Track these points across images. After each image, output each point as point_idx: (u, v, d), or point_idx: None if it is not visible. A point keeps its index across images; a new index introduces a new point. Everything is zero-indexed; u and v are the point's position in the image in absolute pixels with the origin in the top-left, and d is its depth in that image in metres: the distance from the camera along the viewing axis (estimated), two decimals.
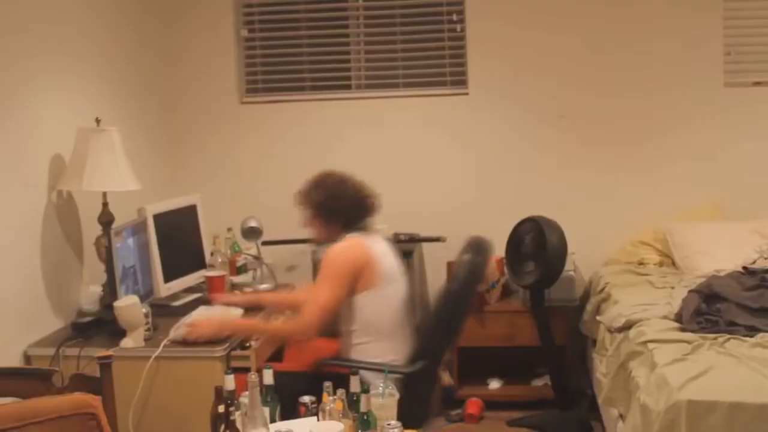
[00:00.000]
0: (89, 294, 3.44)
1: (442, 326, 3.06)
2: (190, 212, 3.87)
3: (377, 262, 3.03)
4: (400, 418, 2.76)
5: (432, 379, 3.13)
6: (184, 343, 3.05)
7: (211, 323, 3.13)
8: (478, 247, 3.11)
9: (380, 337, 3.05)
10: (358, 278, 3.00)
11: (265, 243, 4.06)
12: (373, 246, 3.08)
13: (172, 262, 3.63)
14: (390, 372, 2.98)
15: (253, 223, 3.99)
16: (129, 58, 4.13)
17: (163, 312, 3.47)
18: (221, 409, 2.23)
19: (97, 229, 3.42)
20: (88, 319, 3.26)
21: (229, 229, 4.10)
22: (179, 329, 3.10)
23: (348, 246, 3.05)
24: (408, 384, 2.90)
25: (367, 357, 3.01)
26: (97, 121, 3.39)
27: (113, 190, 3.38)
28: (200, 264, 3.86)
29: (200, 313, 3.30)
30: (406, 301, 3.15)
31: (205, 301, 3.54)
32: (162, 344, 3.02)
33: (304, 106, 4.66)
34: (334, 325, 3.08)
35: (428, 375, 3.03)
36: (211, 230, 4.11)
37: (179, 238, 3.75)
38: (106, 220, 3.40)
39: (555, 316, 4.14)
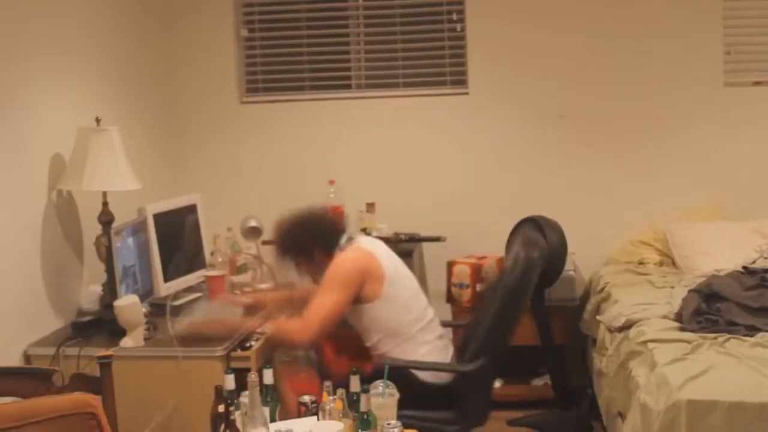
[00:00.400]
0: (89, 293, 3.44)
1: (500, 323, 3.07)
2: (190, 212, 3.87)
3: (383, 267, 3.04)
4: (459, 416, 2.87)
5: (491, 377, 3.13)
6: (182, 339, 3.04)
7: (209, 322, 3.13)
8: (533, 243, 3.11)
9: (407, 337, 3.05)
10: (365, 285, 3.01)
11: (265, 242, 4.06)
12: (376, 250, 3.08)
13: (172, 261, 3.63)
14: (451, 371, 3.02)
15: (253, 223, 3.99)
16: (129, 57, 4.13)
17: (163, 312, 3.46)
18: (221, 409, 2.23)
19: (97, 229, 3.42)
20: (88, 318, 3.26)
21: (229, 229, 4.10)
22: (181, 323, 3.09)
23: (353, 254, 3.06)
24: (467, 382, 2.93)
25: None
26: (97, 120, 3.39)
27: (113, 189, 3.38)
28: (200, 264, 3.86)
29: (202, 312, 3.30)
30: (418, 293, 3.15)
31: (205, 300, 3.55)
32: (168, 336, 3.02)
33: (304, 105, 4.66)
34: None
35: (487, 373, 3.03)
36: (211, 230, 4.11)
37: (179, 238, 3.75)
38: (106, 219, 3.40)
39: (555, 315, 4.13)
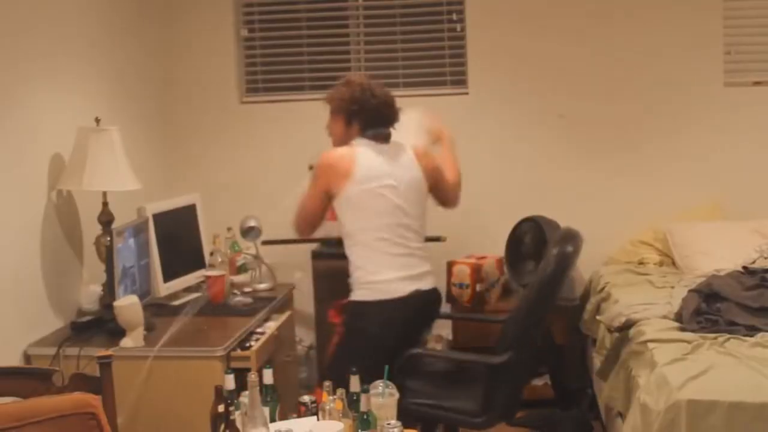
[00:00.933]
0: (89, 294, 3.44)
1: (531, 317, 3.09)
2: (189, 212, 3.87)
3: (354, 167, 3.06)
4: (484, 408, 2.92)
5: (521, 370, 3.13)
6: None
7: None
8: (568, 238, 3.11)
9: (362, 242, 3.11)
10: (330, 180, 3.08)
11: (265, 243, 4.06)
12: (362, 152, 3.10)
13: (172, 261, 3.63)
14: (480, 362, 3.03)
15: (252, 223, 3.99)
16: (129, 58, 4.13)
17: (163, 312, 3.47)
18: (221, 409, 2.23)
19: (97, 229, 3.42)
20: (87, 318, 3.26)
21: (229, 229, 4.10)
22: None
23: (333, 152, 3.14)
24: (496, 375, 2.95)
25: (357, 262, 3.11)
26: (97, 120, 3.39)
27: (113, 189, 3.38)
28: (200, 263, 3.86)
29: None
30: (395, 210, 3.11)
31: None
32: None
33: (304, 106, 4.66)
34: None
35: (517, 366, 3.05)
36: (211, 230, 4.11)
37: (179, 238, 3.75)
38: (106, 219, 3.40)
39: (555, 315, 4.13)
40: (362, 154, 3.11)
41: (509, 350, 3.00)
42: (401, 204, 3.11)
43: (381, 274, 3.08)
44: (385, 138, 3.17)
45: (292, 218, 3.23)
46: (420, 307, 3.16)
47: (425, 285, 3.16)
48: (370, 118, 3.15)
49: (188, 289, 3.76)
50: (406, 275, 3.10)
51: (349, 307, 3.14)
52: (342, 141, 3.18)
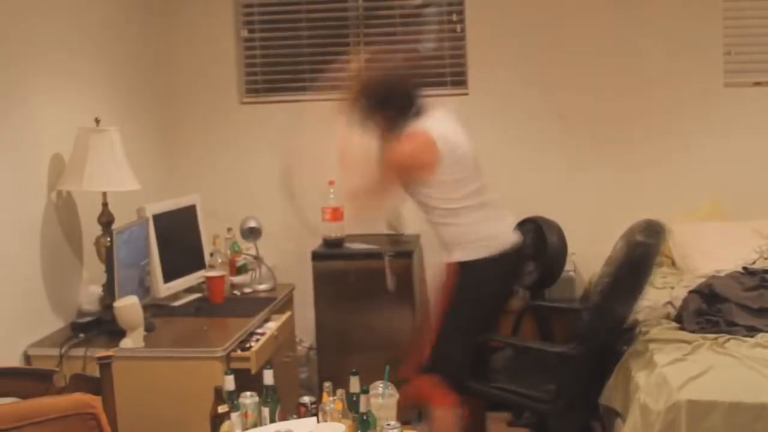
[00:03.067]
0: (89, 294, 3.44)
1: (608, 309, 3.11)
2: (189, 212, 3.87)
3: (437, 154, 3.06)
4: (556, 394, 3.02)
5: (596, 362, 3.16)
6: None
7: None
8: (650, 230, 3.11)
9: (452, 211, 3.13)
10: (415, 173, 3.08)
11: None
12: (435, 129, 3.10)
13: (172, 262, 3.63)
14: (543, 349, 3.18)
15: (252, 223, 3.99)
16: (129, 58, 4.13)
17: (163, 312, 3.47)
18: (221, 409, 2.23)
19: (97, 229, 3.42)
20: (87, 319, 3.26)
21: (229, 229, 4.10)
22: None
23: (412, 143, 3.09)
24: (572, 366, 3.01)
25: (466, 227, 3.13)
26: (97, 121, 3.39)
27: (113, 190, 3.38)
28: (200, 264, 3.86)
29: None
30: (472, 170, 3.20)
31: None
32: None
33: (304, 106, 4.65)
34: None
35: (592, 358, 3.09)
36: (211, 230, 4.11)
37: (179, 238, 3.75)
38: (106, 220, 3.40)
39: (555, 315, 4.13)
40: (434, 129, 3.10)
41: (586, 342, 3.05)
42: (474, 166, 3.21)
43: (488, 231, 3.16)
44: (427, 108, 3.17)
45: (359, 196, 3.23)
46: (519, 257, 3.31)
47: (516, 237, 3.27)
48: (401, 97, 3.14)
49: (189, 290, 3.76)
50: (504, 231, 3.22)
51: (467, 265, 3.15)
52: (390, 129, 3.15)
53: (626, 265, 3.04)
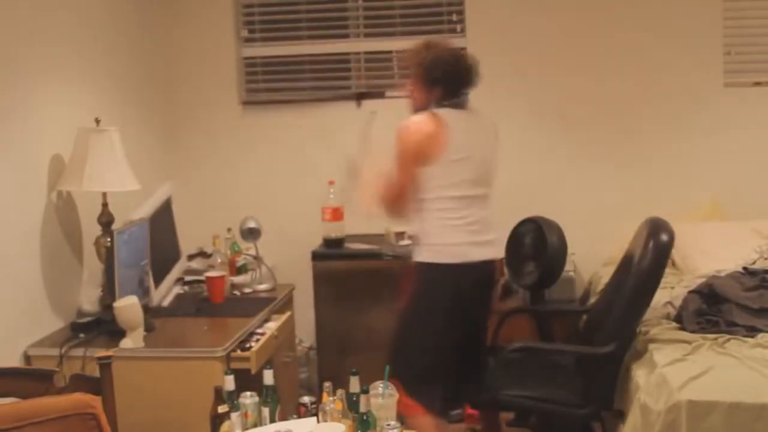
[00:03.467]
0: (89, 294, 3.44)
1: (632, 308, 3.12)
2: (166, 206, 3.82)
3: (450, 137, 3.03)
4: (584, 398, 3.03)
5: (619, 361, 3.16)
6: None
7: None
8: (663, 228, 3.13)
9: (446, 209, 3.07)
10: (431, 149, 3.02)
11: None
12: (449, 122, 3.07)
13: (159, 261, 3.56)
14: (583, 352, 3.16)
15: (252, 224, 3.99)
16: (129, 58, 4.13)
17: (162, 312, 3.47)
18: (221, 409, 2.23)
19: (97, 229, 3.42)
20: (87, 319, 3.26)
21: (229, 229, 4.10)
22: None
23: (423, 122, 3.06)
24: (596, 365, 3.01)
25: (429, 227, 3.08)
26: (97, 121, 3.39)
27: (113, 190, 3.38)
28: (176, 255, 3.82)
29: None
30: (473, 179, 3.12)
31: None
32: None
33: (304, 107, 4.66)
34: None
35: (616, 357, 3.10)
36: (211, 231, 4.12)
37: (160, 237, 3.70)
38: (106, 220, 3.40)
39: (555, 316, 4.13)
40: (451, 122, 3.07)
41: (613, 341, 3.06)
42: (475, 175, 3.12)
43: (448, 238, 3.08)
44: (464, 104, 3.16)
45: (378, 201, 3.15)
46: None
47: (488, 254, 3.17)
48: (452, 84, 3.13)
49: (176, 282, 3.75)
50: (471, 241, 3.11)
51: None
52: (422, 107, 3.13)
53: (655, 264, 3.07)
